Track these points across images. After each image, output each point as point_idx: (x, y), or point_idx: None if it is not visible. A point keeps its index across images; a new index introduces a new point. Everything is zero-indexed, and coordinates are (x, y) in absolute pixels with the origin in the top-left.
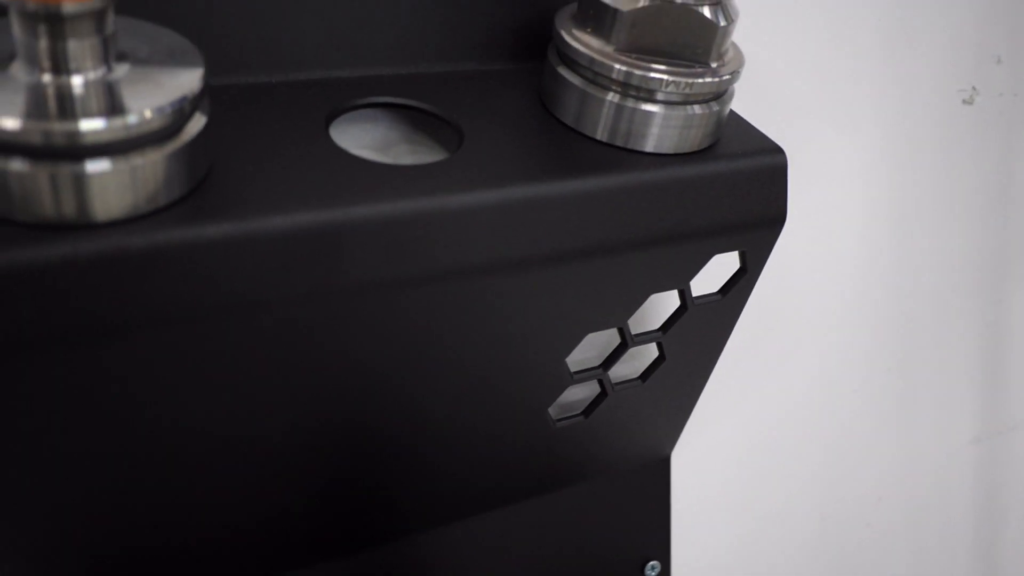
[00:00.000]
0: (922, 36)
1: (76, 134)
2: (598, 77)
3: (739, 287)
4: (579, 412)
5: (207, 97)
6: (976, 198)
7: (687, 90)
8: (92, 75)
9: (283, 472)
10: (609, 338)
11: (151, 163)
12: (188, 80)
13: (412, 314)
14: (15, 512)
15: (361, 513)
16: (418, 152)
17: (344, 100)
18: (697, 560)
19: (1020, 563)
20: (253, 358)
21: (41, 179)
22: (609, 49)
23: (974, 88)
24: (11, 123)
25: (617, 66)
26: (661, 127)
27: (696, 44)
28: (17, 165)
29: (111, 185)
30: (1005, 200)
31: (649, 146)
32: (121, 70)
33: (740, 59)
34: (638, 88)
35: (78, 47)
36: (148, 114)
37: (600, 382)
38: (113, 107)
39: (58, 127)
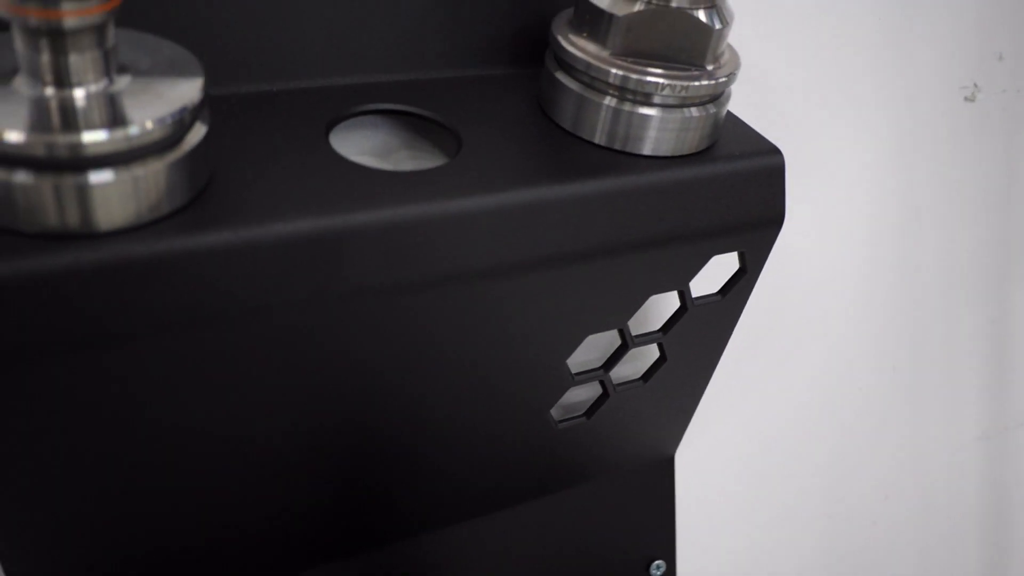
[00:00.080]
0: (923, 33)
1: (79, 146)
2: (595, 81)
3: (739, 287)
4: (581, 413)
5: (207, 107)
6: (979, 195)
7: (683, 93)
8: (94, 87)
9: (286, 475)
10: (611, 339)
11: (153, 173)
12: (188, 91)
13: (413, 318)
14: (23, 514)
15: (364, 514)
16: (418, 158)
17: (344, 107)
18: (703, 559)
19: None
20: (255, 363)
21: (45, 190)
22: (605, 54)
23: (976, 85)
24: (15, 136)
25: (613, 70)
26: (658, 130)
27: (691, 47)
28: (22, 177)
29: (114, 195)
30: (1008, 197)
31: (647, 149)
32: (123, 82)
33: (736, 61)
34: (635, 92)
35: (80, 61)
36: (149, 125)
37: (602, 383)
38: (115, 119)
39: (61, 139)
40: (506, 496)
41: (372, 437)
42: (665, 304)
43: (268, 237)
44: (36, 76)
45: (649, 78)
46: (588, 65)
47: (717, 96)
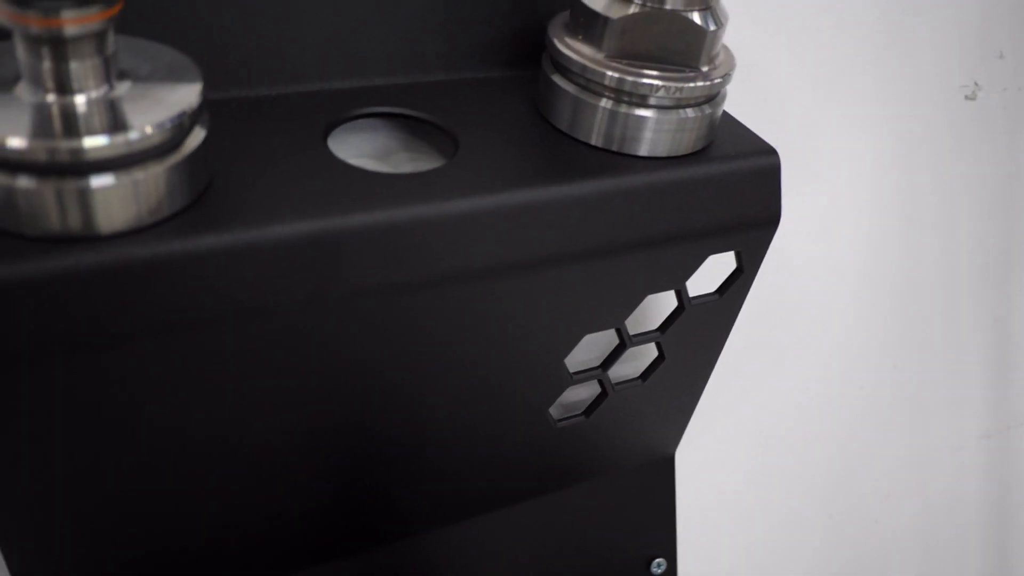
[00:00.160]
0: (924, 32)
1: (80, 151)
2: (591, 84)
3: (736, 287)
4: (580, 412)
5: (206, 111)
6: (980, 193)
7: (678, 94)
8: (95, 94)
9: (285, 474)
10: (610, 339)
11: (153, 176)
12: (187, 96)
13: (411, 318)
14: (24, 515)
15: (364, 513)
16: (418, 160)
17: (342, 111)
18: (704, 557)
19: None
20: (255, 364)
21: (47, 195)
22: (600, 56)
23: (976, 84)
24: (18, 142)
25: (609, 73)
26: (654, 131)
27: (686, 49)
28: (24, 182)
29: (114, 199)
30: (1009, 195)
31: (643, 150)
32: (123, 88)
33: (731, 62)
34: (630, 94)
35: (80, 67)
36: (149, 129)
37: (600, 382)
38: (115, 124)
39: (63, 145)
40: (507, 495)
41: (371, 436)
42: (664, 303)
43: (266, 239)
44: (38, 83)
45: (644, 80)
46: (584, 67)
47: (713, 97)
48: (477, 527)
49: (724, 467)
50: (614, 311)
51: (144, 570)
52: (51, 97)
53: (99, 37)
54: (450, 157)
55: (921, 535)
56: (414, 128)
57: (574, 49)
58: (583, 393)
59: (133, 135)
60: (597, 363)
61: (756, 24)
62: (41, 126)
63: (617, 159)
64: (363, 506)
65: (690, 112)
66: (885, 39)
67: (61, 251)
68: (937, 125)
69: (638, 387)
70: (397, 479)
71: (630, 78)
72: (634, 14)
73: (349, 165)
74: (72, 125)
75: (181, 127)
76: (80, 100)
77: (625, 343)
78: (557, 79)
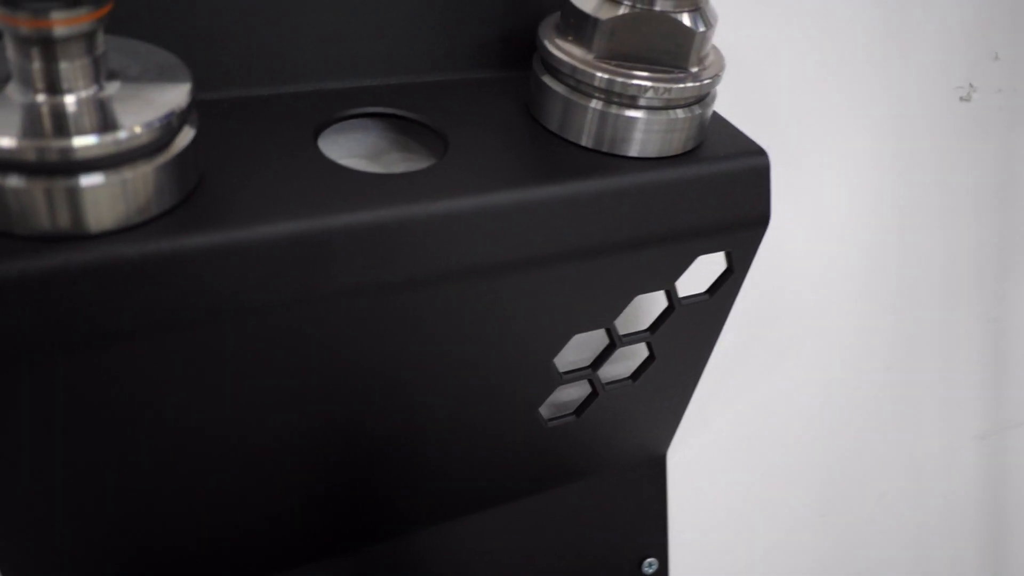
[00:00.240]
0: (918, 32)
1: (70, 150)
2: (581, 85)
3: (726, 287)
4: (571, 412)
5: (195, 111)
6: (974, 194)
7: (667, 95)
8: (84, 94)
9: (276, 473)
10: (602, 339)
11: (142, 176)
12: (176, 96)
13: (398, 318)
14: (15, 514)
15: (355, 512)
16: (410, 160)
17: (333, 111)
18: (695, 557)
19: None
20: (245, 362)
21: (37, 194)
22: (590, 57)
23: (971, 85)
24: (8, 142)
25: (599, 74)
26: (644, 132)
27: (675, 50)
28: (14, 181)
29: (104, 198)
30: (1004, 196)
31: (633, 151)
32: (112, 88)
33: (721, 62)
34: (620, 95)
35: (70, 68)
36: (138, 129)
37: (590, 382)
38: (105, 124)
39: (52, 144)
40: (498, 494)
41: (360, 435)
42: (654, 303)
43: (254, 239)
44: (28, 83)
45: (634, 81)
46: (574, 69)
47: (702, 97)
48: (468, 526)
49: (716, 467)
50: (603, 311)
51: (137, 569)
52: (41, 97)
53: (88, 38)
54: (441, 158)
55: (915, 535)
56: (406, 128)
57: (564, 50)
58: (574, 393)
59: (122, 135)
60: (588, 363)
61: (750, 24)
62: (31, 126)
63: (607, 160)
64: (354, 504)
65: (680, 113)
66: (880, 40)
67: (50, 250)
68: (932, 126)
69: (629, 387)
70: (387, 478)
71: (620, 79)
72: (623, 15)
73: (338, 165)
74: (62, 125)
75: (170, 127)
76: (70, 100)
77: (615, 343)
78: (547, 80)
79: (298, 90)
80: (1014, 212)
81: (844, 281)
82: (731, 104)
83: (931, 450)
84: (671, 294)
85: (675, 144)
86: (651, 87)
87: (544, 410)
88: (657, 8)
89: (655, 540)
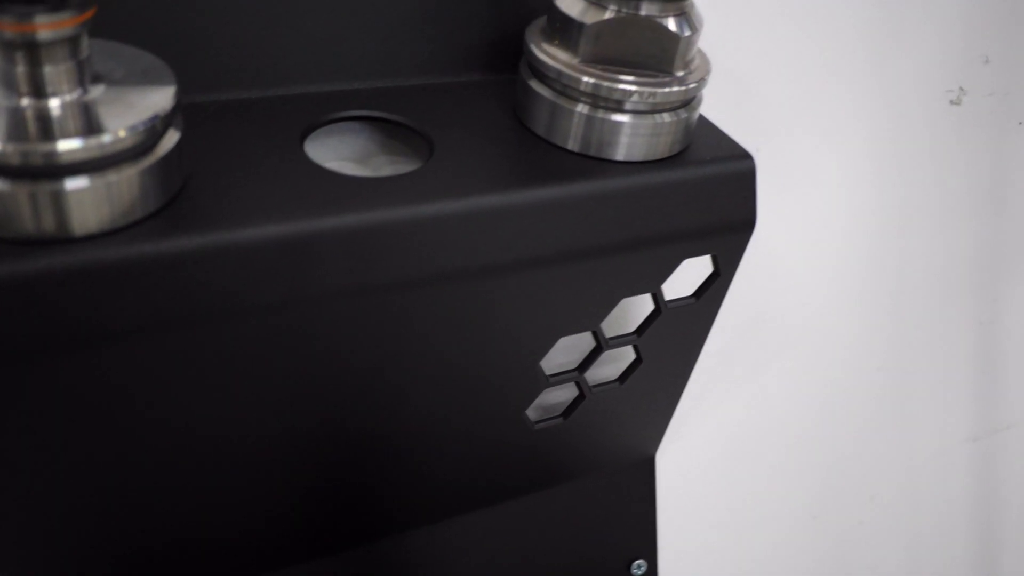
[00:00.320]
0: (909, 37)
1: (54, 154)
2: (567, 89)
3: (713, 290)
4: (559, 414)
5: (180, 114)
6: (965, 198)
7: (652, 100)
8: (68, 97)
9: (267, 472)
10: (591, 342)
11: (126, 179)
12: (160, 99)
13: (384, 320)
14: (11, 513)
15: (344, 512)
16: (397, 163)
17: (320, 115)
18: (684, 558)
19: (1016, 562)
20: (231, 363)
21: (21, 197)
22: (576, 61)
23: (961, 89)
24: None
25: (585, 78)
26: (630, 136)
27: (661, 54)
28: None
29: (88, 201)
30: (994, 200)
31: (619, 155)
32: (97, 91)
33: (707, 66)
34: (606, 99)
35: (54, 71)
36: (122, 133)
37: (577, 384)
38: (89, 127)
39: (37, 148)
40: (486, 496)
41: (348, 437)
42: (643, 306)
43: (239, 241)
44: (12, 87)
45: (620, 86)
46: (560, 73)
47: (688, 101)
48: (457, 528)
49: (705, 469)
50: (589, 314)
51: (132, 567)
52: (25, 101)
53: (72, 42)
54: (427, 161)
55: (905, 537)
56: (394, 132)
57: (550, 54)
58: (562, 395)
59: (106, 138)
60: (575, 366)
61: (738, 27)
62: (15, 129)
63: (593, 163)
64: (341, 504)
65: (666, 117)
66: (870, 43)
67: (35, 253)
68: (922, 130)
69: (616, 390)
70: (374, 479)
71: (605, 83)
72: (609, 20)
73: (323, 168)
74: (46, 128)
75: (154, 130)
76: (54, 104)
77: (601, 346)
78: (534, 84)
79: (285, 93)
80: (1005, 215)
81: (836, 283)
82: (722, 108)
83: (923, 452)
84: (657, 297)
85: (661, 148)
86: (636, 91)
87: (532, 412)
88: (642, 13)
89: (644, 542)
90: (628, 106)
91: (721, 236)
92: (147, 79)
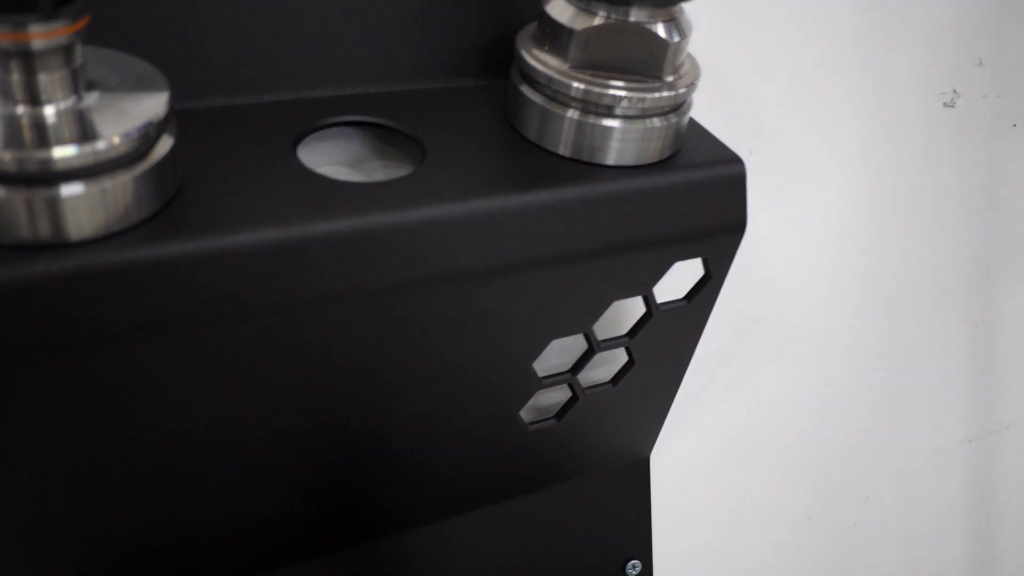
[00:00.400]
0: (902, 39)
1: (49, 161)
2: (558, 95)
3: (704, 293)
4: (552, 416)
5: (173, 120)
6: (959, 201)
7: (642, 105)
8: (63, 105)
9: (264, 473)
10: (584, 344)
11: (121, 185)
12: (154, 106)
13: (377, 323)
14: (11, 513)
15: (340, 513)
16: (391, 167)
17: (313, 120)
18: (679, 558)
19: (1012, 564)
20: (224, 366)
21: (18, 203)
22: (566, 67)
23: (955, 91)
24: None
25: (575, 84)
26: (620, 141)
27: (650, 60)
28: None
29: (83, 207)
30: (988, 202)
31: (610, 159)
32: (91, 98)
33: (696, 71)
34: (596, 104)
35: (49, 80)
36: (116, 139)
37: (571, 386)
38: (84, 134)
39: (33, 155)
40: (481, 497)
41: (342, 438)
42: (636, 309)
43: (232, 246)
44: (7, 95)
45: (609, 91)
46: (550, 79)
47: (678, 106)
48: (452, 528)
49: (701, 469)
50: (581, 316)
51: (129, 567)
52: (21, 108)
53: (66, 50)
54: (419, 166)
55: (901, 538)
56: (387, 137)
57: (541, 60)
58: (557, 397)
59: (101, 145)
60: (568, 368)
61: (732, 30)
62: (11, 137)
63: (584, 168)
64: (338, 504)
65: (656, 121)
66: (864, 46)
67: (31, 258)
68: (916, 132)
69: (609, 391)
70: (370, 480)
71: (596, 89)
72: (598, 26)
73: (315, 173)
74: (41, 136)
75: (148, 136)
76: (49, 111)
77: (594, 348)
78: (525, 90)
79: (278, 99)
80: (999, 218)
81: (830, 285)
82: (718, 110)
83: (918, 453)
84: (649, 300)
85: (651, 152)
86: (626, 97)
87: (527, 413)
88: (631, 19)
89: (639, 542)
90: (618, 111)
91: (712, 239)
92: (141, 86)
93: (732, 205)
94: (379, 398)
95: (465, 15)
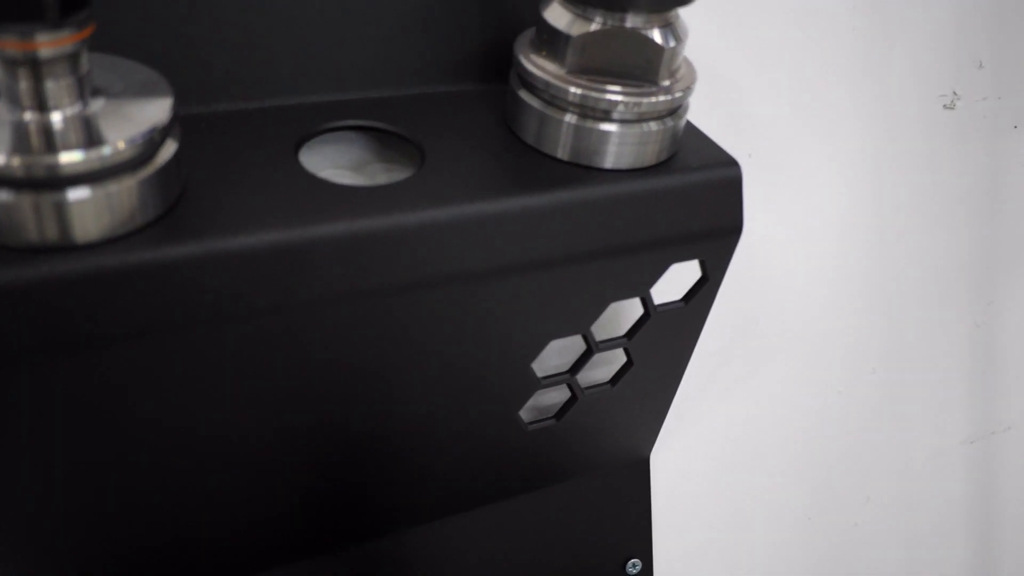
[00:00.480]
0: (902, 41)
1: (57, 166)
2: (555, 99)
3: (702, 294)
4: (551, 416)
5: (177, 125)
6: (959, 202)
7: (638, 109)
8: (70, 111)
9: (265, 473)
10: (584, 345)
11: (126, 189)
12: (158, 111)
13: (378, 325)
14: (12, 513)
15: (340, 512)
16: (393, 171)
17: (314, 125)
18: (679, 558)
19: (1012, 564)
20: (227, 367)
21: (25, 207)
22: (564, 72)
23: (955, 93)
24: None
25: (572, 89)
26: (618, 144)
27: (646, 65)
28: (3, 196)
29: (89, 211)
30: (989, 204)
31: (608, 163)
32: (97, 104)
33: (692, 75)
34: (594, 109)
35: (56, 87)
36: (121, 145)
37: (570, 387)
38: (90, 139)
39: (40, 160)
40: (481, 496)
41: (344, 438)
42: (635, 310)
43: (235, 248)
44: (15, 102)
45: (606, 96)
46: (548, 84)
47: (675, 110)
48: (452, 527)
49: (701, 469)
50: (579, 318)
51: (129, 567)
52: (28, 115)
53: (73, 58)
54: (419, 169)
55: (902, 539)
56: (388, 141)
57: (538, 65)
58: (557, 397)
59: (106, 150)
60: (567, 368)
61: (731, 32)
62: (19, 142)
63: (582, 171)
64: (337, 503)
65: (652, 125)
66: (863, 48)
67: (38, 261)
68: (915, 134)
69: (608, 392)
70: (371, 479)
71: (593, 94)
72: (594, 32)
73: (315, 177)
74: (49, 141)
75: (152, 142)
76: (56, 117)
77: (592, 349)
78: (523, 94)
79: (280, 104)
80: (999, 219)
81: (830, 286)
82: (717, 112)
83: (919, 454)
84: (646, 301)
85: (648, 156)
86: (623, 101)
87: (526, 413)
88: (628, 25)
89: (639, 541)
90: (615, 116)
91: (709, 241)
92: (145, 92)
93: (728, 208)
94: (379, 398)
95: (465, 20)
